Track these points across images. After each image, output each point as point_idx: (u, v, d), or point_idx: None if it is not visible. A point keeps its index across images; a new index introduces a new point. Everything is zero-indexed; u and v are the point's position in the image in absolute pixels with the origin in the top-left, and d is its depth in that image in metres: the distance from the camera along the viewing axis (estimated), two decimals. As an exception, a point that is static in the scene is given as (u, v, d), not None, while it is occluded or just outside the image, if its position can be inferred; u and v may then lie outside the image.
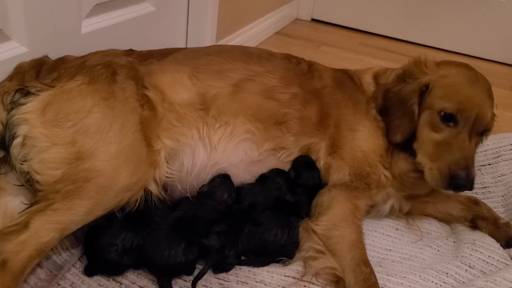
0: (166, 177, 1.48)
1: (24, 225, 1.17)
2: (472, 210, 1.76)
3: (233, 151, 1.57)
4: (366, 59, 3.71)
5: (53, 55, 1.61)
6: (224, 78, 1.60)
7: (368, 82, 1.78)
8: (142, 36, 2.22)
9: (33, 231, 1.16)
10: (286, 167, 1.68)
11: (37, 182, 1.26)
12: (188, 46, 2.66)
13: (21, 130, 1.27)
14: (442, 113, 1.51)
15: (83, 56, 1.51)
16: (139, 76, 1.49)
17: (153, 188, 1.44)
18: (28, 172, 1.27)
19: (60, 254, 1.39)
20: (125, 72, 1.46)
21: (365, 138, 1.67)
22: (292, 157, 1.67)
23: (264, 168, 1.66)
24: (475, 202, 1.78)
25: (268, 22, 3.80)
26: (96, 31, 1.90)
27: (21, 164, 1.27)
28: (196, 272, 1.38)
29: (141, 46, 1.75)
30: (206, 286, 1.37)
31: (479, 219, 1.73)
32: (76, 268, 1.36)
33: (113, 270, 1.35)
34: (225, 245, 1.41)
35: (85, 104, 1.32)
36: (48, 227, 1.18)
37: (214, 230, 1.43)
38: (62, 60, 1.46)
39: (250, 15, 3.42)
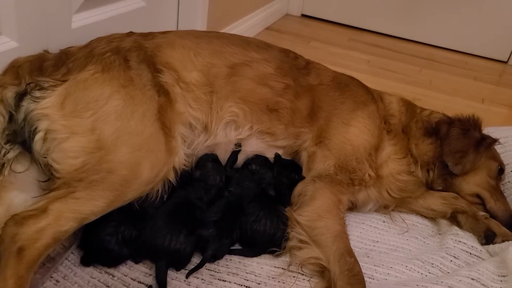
0: (184, 162, 1.50)
1: (42, 210, 1.15)
2: (452, 205, 1.79)
3: (219, 132, 1.61)
4: (355, 55, 3.74)
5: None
6: (222, 58, 1.63)
7: (390, 101, 1.92)
8: (132, 30, 2.22)
9: (53, 218, 1.15)
10: (270, 149, 1.73)
11: (56, 170, 1.24)
12: (178, 41, 2.66)
13: (42, 125, 1.26)
14: (500, 167, 1.85)
15: (86, 45, 1.49)
16: (148, 55, 1.49)
17: (172, 176, 1.45)
18: (51, 165, 1.25)
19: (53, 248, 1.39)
20: (134, 55, 1.46)
21: (357, 133, 1.71)
22: (278, 144, 1.71)
23: (245, 151, 1.70)
24: (455, 197, 1.81)
25: (258, 18, 3.80)
26: (86, 26, 1.90)
27: (44, 158, 1.26)
28: (191, 268, 1.40)
29: (131, 41, 1.76)
30: (198, 278, 1.39)
31: (459, 213, 1.77)
32: (68, 261, 1.37)
33: (112, 260, 1.37)
34: (223, 233, 1.44)
35: (104, 91, 1.32)
36: (68, 215, 1.17)
37: (211, 220, 1.46)
38: (66, 54, 1.44)
39: (240, 11, 3.43)
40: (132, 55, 1.46)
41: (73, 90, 1.31)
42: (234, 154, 1.68)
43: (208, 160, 1.62)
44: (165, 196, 1.52)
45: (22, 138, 1.29)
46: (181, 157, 1.48)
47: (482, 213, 1.77)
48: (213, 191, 1.57)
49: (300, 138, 1.71)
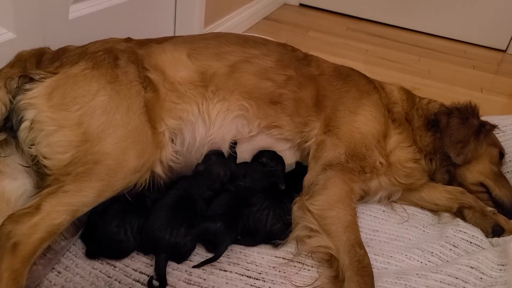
0: (172, 158, 1.51)
1: (36, 208, 1.18)
2: (458, 200, 1.78)
3: (227, 127, 1.61)
4: (354, 44, 3.73)
5: (41, 41, 1.60)
6: (221, 59, 1.64)
7: (391, 89, 1.93)
8: (130, 21, 2.21)
9: (45, 213, 1.18)
10: (278, 143, 1.71)
11: (46, 167, 1.27)
12: (176, 31, 2.65)
13: (29, 114, 1.28)
14: (500, 152, 1.87)
15: (83, 45, 1.53)
16: (139, 59, 1.51)
17: (159, 169, 1.47)
18: (36, 156, 1.28)
19: (55, 240, 1.38)
20: (125, 56, 1.48)
21: (365, 121, 1.71)
22: (286, 136, 1.69)
23: (253, 146, 1.69)
24: (462, 191, 1.80)
25: (257, 7, 3.78)
26: (84, 17, 1.89)
27: (29, 147, 1.29)
28: (187, 263, 1.40)
29: (129, 31, 1.75)
30: (199, 268, 1.39)
31: (465, 208, 1.76)
32: (70, 252, 1.37)
33: (120, 252, 1.38)
34: (231, 227, 1.44)
35: (91, 87, 1.35)
36: (59, 209, 1.20)
37: (217, 213, 1.46)
38: (63, 50, 1.48)
39: (238, 0, 3.41)
40: (123, 56, 1.49)
41: (62, 83, 1.34)
42: (232, 149, 1.67)
43: (212, 154, 1.61)
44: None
45: (10, 123, 1.31)
46: (169, 152, 1.50)
47: (490, 208, 1.75)
48: (216, 185, 1.55)
49: (308, 126, 1.70)
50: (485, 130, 1.84)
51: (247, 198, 1.55)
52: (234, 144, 1.65)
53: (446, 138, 1.80)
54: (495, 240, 1.66)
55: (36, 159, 1.29)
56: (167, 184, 1.55)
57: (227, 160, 1.63)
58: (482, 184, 1.82)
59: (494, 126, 1.89)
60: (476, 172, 1.82)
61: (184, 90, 1.55)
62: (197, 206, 1.48)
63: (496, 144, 1.88)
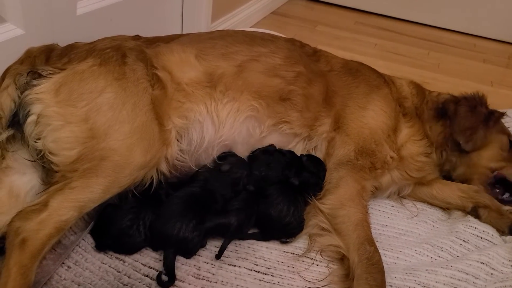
0: (177, 156, 1.51)
1: (44, 204, 1.20)
2: (473, 199, 1.75)
3: (238, 128, 1.61)
4: (362, 38, 3.70)
5: (49, 37, 1.61)
6: (229, 60, 1.63)
7: (401, 83, 1.94)
8: (138, 17, 2.21)
9: (53, 210, 1.19)
10: (288, 139, 1.70)
11: (53, 163, 1.28)
12: (183, 26, 2.65)
13: (35, 109, 1.29)
14: (510, 140, 1.85)
15: (92, 42, 1.53)
16: (147, 58, 1.51)
17: (164, 167, 1.47)
18: (41, 150, 1.29)
19: (65, 235, 1.40)
20: (134, 54, 1.49)
21: (374, 116, 1.70)
22: (295, 131, 1.68)
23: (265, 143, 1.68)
24: (476, 190, 1.77)
25: (264, 2, 3.76)
26: (92, 13, 1.89)
27: (35, 142, 1.30)
28: (195, 258, 1.41)
29: (137, 26, 1.76)
30: (207, 263, 1.40)
31: (480, 207, 1.73)
32: (79, 247, 1.38)
33: (130, 247, 1.38)
34: (243, 223, 1.45)
35: (98, 84, 1.35)
36: (67, 205, 1.21)
37: (234, 208, 1.46)
38: (71, 47, 1.48)
39: (245, -5, 3.39)
40: (131, 53, 1.49)
41: (70, 79, 1.35)
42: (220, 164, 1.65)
43: (230, 155, 1.60)
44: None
45: (18, 118, 1.33)
46: (175, 149, 1.50)
47: (506, 207, 1.72)
48: (239, 186, 1.54)
49: (318, 121, 1.69)
50: (494, 118, 1.83)
51: (263, 190, 1.55)
52: (221, 160, 1.60)
53: (455, 126, 1.79)
54: (508, 237, 1.64)
55: (42, 154, 1.30)
56: (180, 181, 1.55)
57: (246, 161, 1.63)
58: (493, 171, 1.80)
59: (503, 114, 1.89)
60: (487, 158, 1.80)
61: (191, 91, 1.54)
62: (214, 204, 1.48)
63: (505, 131, 1.87)
